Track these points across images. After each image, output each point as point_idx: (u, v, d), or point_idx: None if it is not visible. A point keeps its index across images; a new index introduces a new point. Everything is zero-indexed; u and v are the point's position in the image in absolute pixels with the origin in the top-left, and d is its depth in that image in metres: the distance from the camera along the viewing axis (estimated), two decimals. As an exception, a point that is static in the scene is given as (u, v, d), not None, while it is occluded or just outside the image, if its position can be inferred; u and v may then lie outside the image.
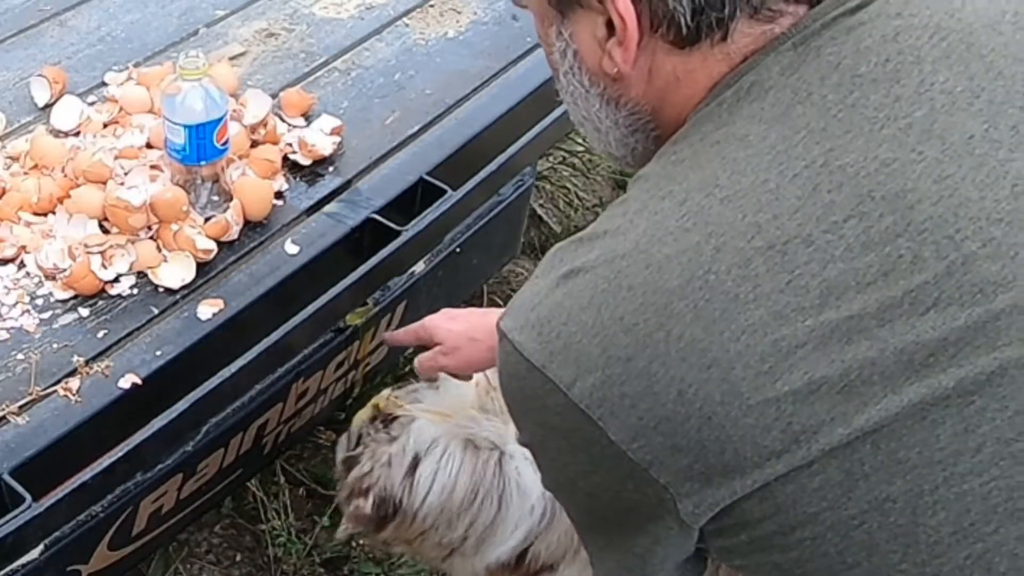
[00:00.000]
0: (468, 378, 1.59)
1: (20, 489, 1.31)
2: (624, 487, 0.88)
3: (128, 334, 1.51)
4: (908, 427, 0.81)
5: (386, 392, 1.64)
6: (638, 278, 0.85)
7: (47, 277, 1.56)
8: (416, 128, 1.86)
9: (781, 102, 0.87)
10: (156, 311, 1.54)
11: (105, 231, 1.60)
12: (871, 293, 0.81)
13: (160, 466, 1.46)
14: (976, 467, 0.81)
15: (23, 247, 1.60)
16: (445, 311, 1.58)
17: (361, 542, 2.07)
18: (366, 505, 1.53)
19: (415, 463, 1.51)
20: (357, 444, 1.60)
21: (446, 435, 1.52)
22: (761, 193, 0.84)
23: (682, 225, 0.85)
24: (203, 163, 1.61)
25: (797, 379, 0.81)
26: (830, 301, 0.81)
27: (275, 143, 1.77)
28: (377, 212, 1.70)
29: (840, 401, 0.80)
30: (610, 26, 0.92)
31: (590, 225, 0.93)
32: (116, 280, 1.57)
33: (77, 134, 1.77)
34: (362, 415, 1.62)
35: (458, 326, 1.53)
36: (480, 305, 2.40)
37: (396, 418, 1.57)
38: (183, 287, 1.57)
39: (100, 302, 1.55)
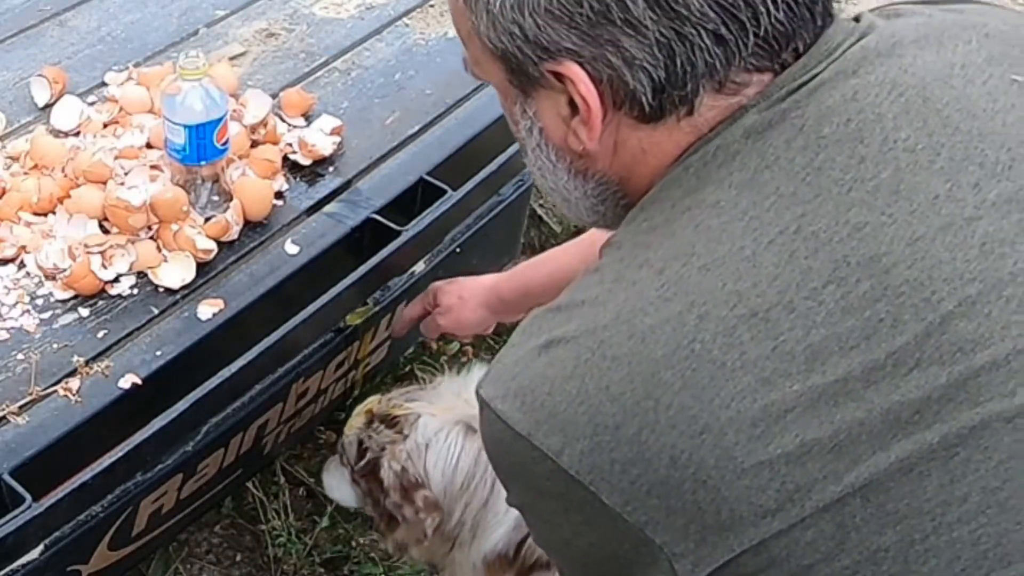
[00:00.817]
0: (466, 339, 1.74)
1: (20, 489, 1.31)
2: (621, 546, 0.89)
3: (128, 334, 1.51)
4: (897, 480, 0.83)
5: (374, 399, 1.65)
6: (622, 348, 0.86)
7: (47, 277, 1.56)
8: (416, 128, 1.86)
9: (748, 167, 0.89)
10: (156, 311, 1.54)
11: (105, 231, 1.60)
12: (855, 357, 0.83)
13: (160, 466, 1.46)
14: (964, 516, 0.83)
15: (23, 247, 1.60)
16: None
17: (362, 541, 2.07)
18: (428, 492, 1.54)
19: (426, 453, 1.54)
20: (362, 451, 1.60)
21: (448, 423, 1.56)
22: (739, 261, 0.86)
23: (663, 295, 0.87)
24: (203, 163, 1.61)
25: (789, 442, 0.83)
26: (815, 366, 0.83)
27: (275, 143, 1.77)
28: (377, 212, 1.71)
29: (831, 460, 0.82)
30: (573, 104, 0.93)
31: (564, 293, 0.94)
32: (116, 280, 1.57)
33: (77, 134, 1.77)
34: (354, 423, 1.63)
35: (452, 287, 1.67)
36: (480, 305, 2.40)
37: (396, 419, 1.57)
38: (183, 287, 1.57)
39: (100, 302, 1.55)
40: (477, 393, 0.94)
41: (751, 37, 0.89)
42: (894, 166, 0.87)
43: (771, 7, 0.89)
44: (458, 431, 1.55)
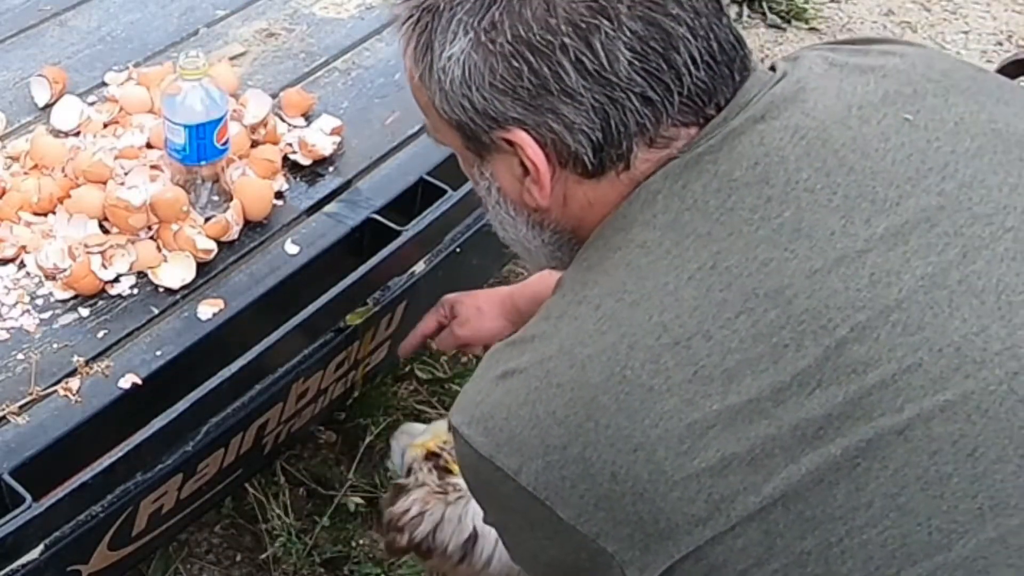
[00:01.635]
0: (481, 350, 1.71)
1: (20, 489, 1.31)
2: (579, 556, 0.97)
3: (128, 334, 1.51)
4: (810, 490, 0.90)
5: (443, 434, 1.62)
6: (565, 376, 0.96)
7: (47, 277, 1.56)
8: (416, 128, 1.85)
9: (670, 209, 0.99)
10: (156, 311, 1.54)
11: (105, 231, 1.60)
12: (765, 379, 0.92)
13: (160, 466, 1.46)
14: (871, 520, 0.90)
15: (23, 247, 1.60)
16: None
17: (362, 541, 2.07)
18: (402, 539, 1.55)
19: (473, 539, 1.54)
20: (408, 473, 1.61)
21: None
22: (663, 295, 0.95)
23: (599, 328, 0.96)
24: (203, 163, 1.61)
25: (711, 456, 0.91)
26: (731, 387, 0.92)
27: (275, 143, 1.77)
28: (377, 212, 1.71)
29: (750, 473, 0.91)
30: (524, 165, 1.03)
31: (520, 330, 1.04)
32: (116, 280, 1.57)
33: (77, 134, 1.77)
34: (419, 451, 1.61)
35: (468, 299, 1.68)
36: (480, 305, 2.40)
37: (449, 470, 1.57)
38: (183, 287, 1.57)
39: (100, 302, 1.55)
40: (449, 422, 1.03)
41: (676, 96, 0.99)
42: (796, 205, 0.96)
43: (692, 68, 0.99)
44: None
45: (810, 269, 0.94)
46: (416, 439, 1.65)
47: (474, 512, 1.54)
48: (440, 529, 1.55)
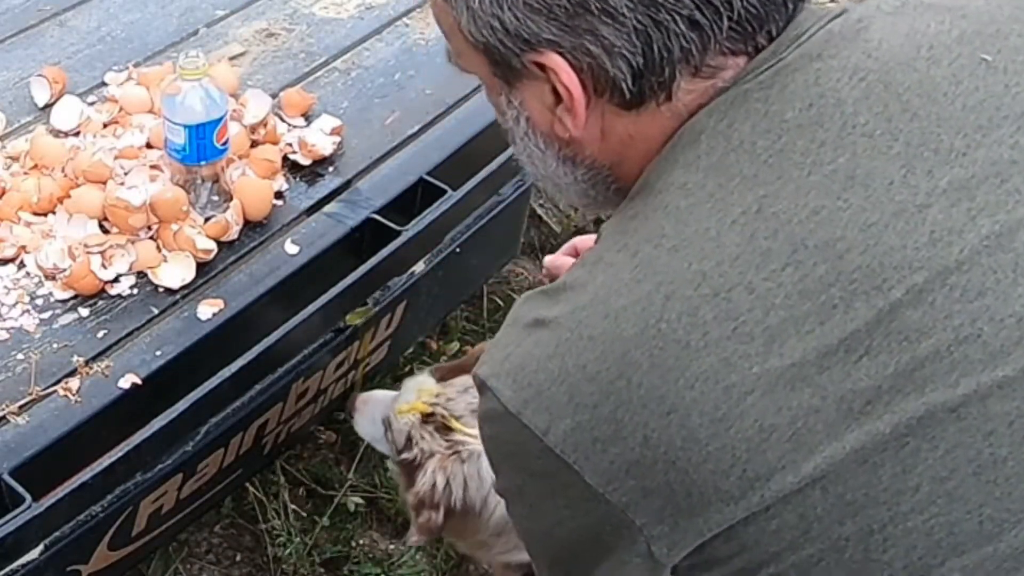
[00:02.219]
0: None
1: (20, 489, 1.31)
2: (602, 529, 0.91)
3: (128, 334, 1.51)
4: (852, 471, 0.85)
5: (429, 386, 1.57)
6: (597, 328, 0.89)
7: (47, 277, 1.56)
8: (416, 128, 1.86)
9: (715, 150, 0.91)
10: (156, 311, 1.54)
11: (105, 231, 1.60)
12: (810, 341, 0.85)
13: (160, 466, 1.46)
14: (917, 505, 0.85)
15: (23, 247, 1.60)
16: None
17: (362, 542, 2.07)
18: (438, 517, 1.53)
19: (489, 490, 1.52)
20: (408, 444, 1.57)
21: None
22: (704, 241, 0.88)
23: (635, 276, 0.89)
24: (203, 163, 1.61)
25: (748, 426, 0.84)
26: (773, 348, 0.85)
27: (275, 143, 1.77)
28: (377, 212, 1.71)
29: (789, 449, 0.84)
30: (557, 93, 0.95)
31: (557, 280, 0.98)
32: (116, 280, 1.57)
33: (77, 134, 1.77)
34: (409, 415, 1.57)
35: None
36: (480, 306, 2.40)
37: (453, 437, 1.54)
38: (183, 287, 1.57)
39: (100, 302, 1.55)
40: (474, 374, 0.96)
41: (725, 21, 0.90)
42: (851, 151, 0.89)
43: None
44: None
45: (865, 222, 0.86)
46: (398, 403, 1.60)
47: (487, 469, 1.50)
48: (467, 491, 1.52)
